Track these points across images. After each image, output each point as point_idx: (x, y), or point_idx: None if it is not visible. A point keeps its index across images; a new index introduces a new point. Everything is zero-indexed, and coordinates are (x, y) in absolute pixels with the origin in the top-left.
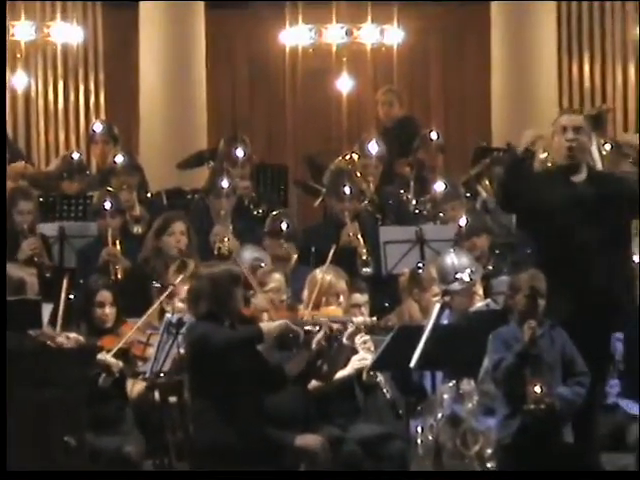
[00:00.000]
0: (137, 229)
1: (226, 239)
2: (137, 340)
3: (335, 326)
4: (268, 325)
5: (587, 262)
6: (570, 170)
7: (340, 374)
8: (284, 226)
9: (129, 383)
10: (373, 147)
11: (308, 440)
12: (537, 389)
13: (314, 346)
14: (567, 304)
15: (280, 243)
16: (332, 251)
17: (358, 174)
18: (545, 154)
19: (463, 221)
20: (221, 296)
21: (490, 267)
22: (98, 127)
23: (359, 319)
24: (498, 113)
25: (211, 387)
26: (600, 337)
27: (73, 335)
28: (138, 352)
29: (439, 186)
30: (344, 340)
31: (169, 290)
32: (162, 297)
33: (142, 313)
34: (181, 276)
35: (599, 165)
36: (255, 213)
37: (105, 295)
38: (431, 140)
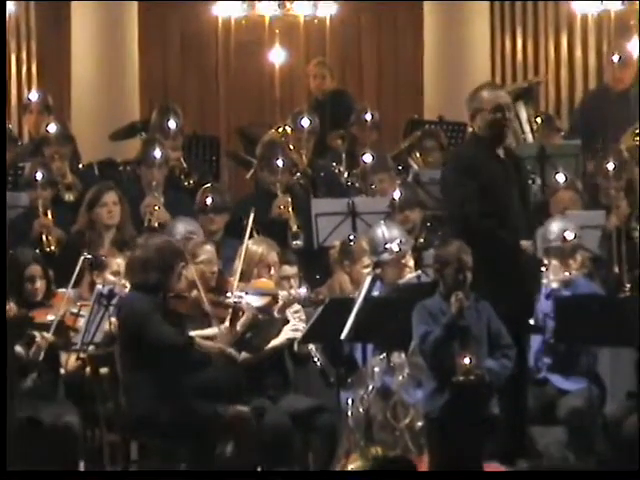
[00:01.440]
0: (69, 196)
1: (156, 209)
2: (69, 311)
3: (264, 302)
4: (201, 342)
5: (510, 237)
6: (493, 145)
7: (272, 344)
8: (213, 200)
9: (63, 355)
10: (305, 120)
11: (237, 412)
12: (466, 360)
13: (239, 328)
14: (491, 277)
15: (210, 217)
16: (250, 221)
17: (291, 147)
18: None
19: (397, 194)
20: (165, 267)
21: (422, 240)
22: (34, 96)
23: (288, 292)
24: (430, 87)
25: (141, 360)
26: (521, 310)
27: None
28: (70, 323)
29: (367, 158)
30: (275, 314)
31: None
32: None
33: (76, 284)
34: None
35: (529, 137)
36: (186, 184)
37: (35, 269)
38: (366, 121)
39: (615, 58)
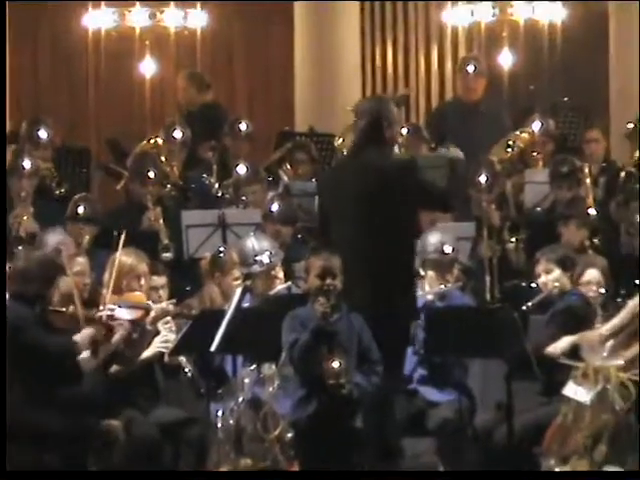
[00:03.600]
0: None
1: (24, 219)
2: None
3: (136, 315)
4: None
5: (379, 249)
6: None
7: (143, 355)
8: (83, 210)
9: None
10: (177, 132)
11: (107, 424)
12: (335, 364)
13: (113, 343)
14: (363, 289)
15: (80, 227)
16: (123, 236)
17: (163, 158)
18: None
19: (275, 207)
20: (46, 279)
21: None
22: None
23: (160, 305)
24: (301, 99)
25: (16, 368)
26: (396, 323)
27: None
28: None
29: (241, 169)
30: (147, 326)
31: None
32: None
33: None
34: None
35: (395, 149)
36: (57, 195)
37: None
38: (240, 130)
39: (470, 68)
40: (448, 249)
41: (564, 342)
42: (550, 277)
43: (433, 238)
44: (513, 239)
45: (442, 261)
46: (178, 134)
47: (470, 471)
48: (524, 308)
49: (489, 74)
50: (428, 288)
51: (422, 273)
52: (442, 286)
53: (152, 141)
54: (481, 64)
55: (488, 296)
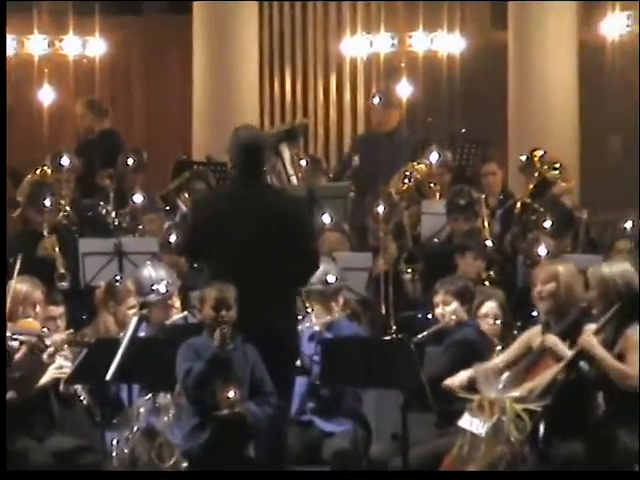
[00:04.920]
0: None
1: None
2: None
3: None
4: None
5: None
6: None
7: (38, 383)
8: None
9: None
10: (65, 160)
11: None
12: (230, 394)
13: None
14: (250, 320)
15: None
16: (19, 262)
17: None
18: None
19: (173, 238)
20: None
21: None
22: None
23: (56, 336)
24: (199, 127)
25: None
26: (279, 353)
27: None
28: None
29: (137, 198)
30: (44, 358)
31: None
32: None
33: None
34: None
35: (294, 180)
36: None
37: None
38: (134, 160)
39: (375, 100)
40: (331, 279)
41: (462, 376)
42: (448, 309)
43: None
44: (409, 270)
45: (326, 291)
46: (66, 161)
47: (470, 471)
48: (420, 338)
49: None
50: (315, 319)
51: (307, 304)
52: (328, 317)
53: (39, 170)
54: (390, 96)
55: (384, 326)
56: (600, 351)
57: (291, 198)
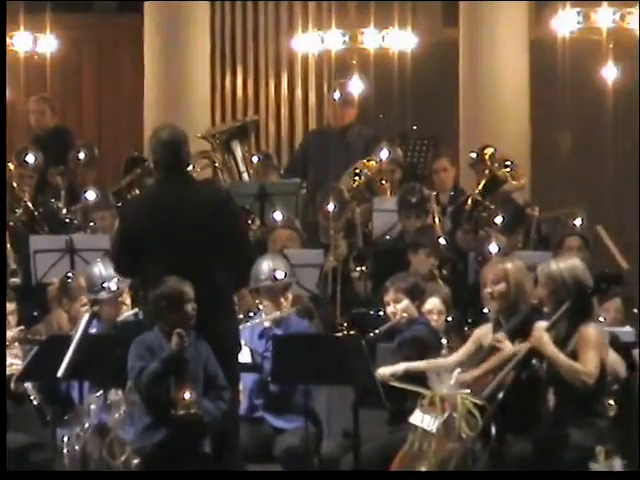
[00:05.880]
0: None
1: None
2: None
3: None
4: None
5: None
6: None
7: None
8: None
9: None
10: (30, 157)
11: None
12: (187, 395)
13: None
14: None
15: None
16: None
17: (14, 184)
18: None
19: None
20: None
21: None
22: None
23: (7, 333)
24: (151, 123)
25: None
26: (220, 349)
27: None
28: None
29: (90, 195)
30: None
31: None
32: None
33: None
34: None
35: (245, 176)
36: None
37: None
38: (88, 155)
39: (336, 96)
40: (280, 275)
41: (399, 367)
42: (399, 306)
43: (265, 265)
44: (358, 269)
45: (275, 287)
46: (31, 158)
47: (470, 471)
48: (371, 336)
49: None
50: (264, 315)
51: (256, 301)
52: (277, 312)
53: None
54: (348, 92)
55: (335, 323)
56: (551, 349)
57: (216, 193)
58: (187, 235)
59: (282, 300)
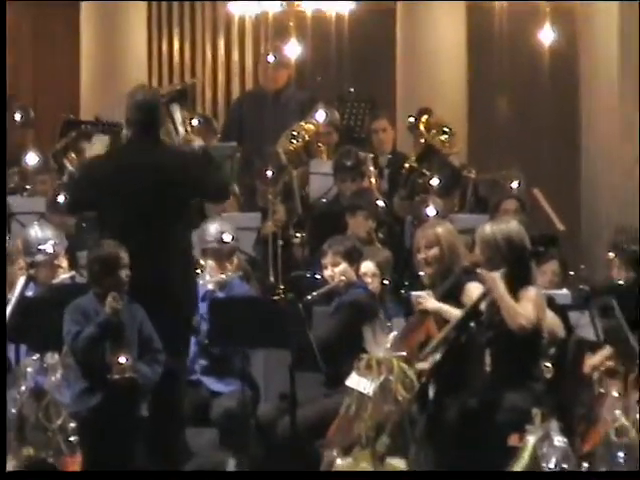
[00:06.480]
0: None
1: None
2: None
3: None
4: None
5: (156, 239)
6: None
7: None
8: None
9: None
10: None
11: None
12: (122, 359)
13: None
14: (143, 279)
15: None
16: None
17: None
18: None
19: (61, 198)
20: None
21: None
22: None
23: None
24: (87, 87)
25: None
26: (177, 313)
27: None
28: None
29: (30, 159)
30: None
31: None
32: None
33: None
34: None
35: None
36: None
37: None
38: (23, 115)
39: (270, 58)
40: (227, 238)
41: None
42: (337, 270)
43: (212, 228)
44: (299, 234)
45: (221, 250)
46: None
47: (470, 471)
48: (308, 299)
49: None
50: (208, 277)
51: (202, 262)
52: (222, 275)
53: None
54: (282, 54)
55: (272, 287)
56: (502, 288)
57: (186, 154)
58: (150, 195)
59: (227, 264)
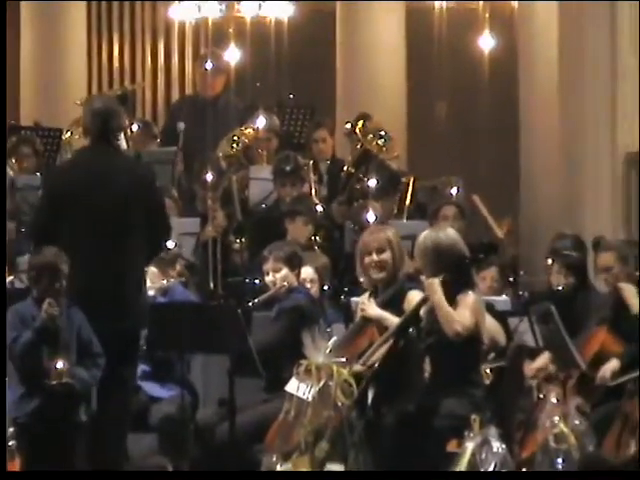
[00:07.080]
0: None
1: None
2: None
3: None
4: None
5: (101, 245)
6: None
7: None
8: None
9: None
10: None
11: None
12: (59, 365)
13: None
14: (86, 285)
15: None
16: None
17: None
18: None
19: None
20: None
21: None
22: None
23: None
24: (27, 92)
25: None
26: (126, 323)
27: None
28: None
29: None
30: None
31: None
32: None
33: None
34: None
35: (123, 144)
36: None
37: None
38: None
39: (208, 65)
40: (171, 245)
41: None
42: (278, 275)
43: None
44: (239, 240)
45: (164, 257)
46: None
47: (469, 471)
48: (250, 305)
49: (226, 70)
50: (150, 284)
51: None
52: (164, 281)
53: None
54: (219, 61)
55: (212, 292)
56: (439, 295)
57: (143, 164)
58: (107, 204)
59: (169, 270)
